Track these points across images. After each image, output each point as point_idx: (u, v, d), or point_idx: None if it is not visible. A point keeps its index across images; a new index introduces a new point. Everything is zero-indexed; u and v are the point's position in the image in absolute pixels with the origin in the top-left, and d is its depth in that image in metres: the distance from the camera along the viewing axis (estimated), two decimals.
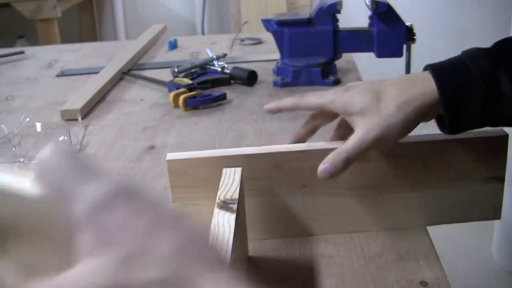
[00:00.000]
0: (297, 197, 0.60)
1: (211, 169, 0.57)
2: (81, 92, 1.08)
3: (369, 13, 1.06)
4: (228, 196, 0.51)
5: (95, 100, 1.07)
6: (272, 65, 1.15)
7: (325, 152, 0.58)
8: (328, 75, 1.09)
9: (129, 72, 1.24)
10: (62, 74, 1.29)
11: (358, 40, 1.07)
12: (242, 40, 1.45)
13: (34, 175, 0.31)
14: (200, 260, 0.30)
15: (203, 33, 3.06)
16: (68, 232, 0.30)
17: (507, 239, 1.73)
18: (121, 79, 1.21)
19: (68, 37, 2.59)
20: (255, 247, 0.60)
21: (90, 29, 3.05)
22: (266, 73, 1.15)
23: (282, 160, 0.58)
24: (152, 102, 1.06)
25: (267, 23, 1.10)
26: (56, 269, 0.29)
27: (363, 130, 0.55)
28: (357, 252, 0.58)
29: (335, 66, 1.11)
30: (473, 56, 0.56)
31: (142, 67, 1.30)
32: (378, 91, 0.56)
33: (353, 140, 0.55)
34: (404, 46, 1.05)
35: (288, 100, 0.62)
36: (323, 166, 0.55)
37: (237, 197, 0.51)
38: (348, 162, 0.55)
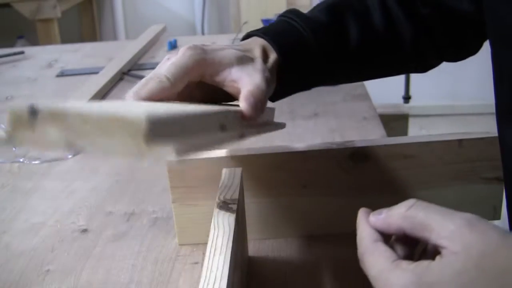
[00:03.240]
0: (297, 197, 0.60)
1: (211, 169, 0.57)
2: (81, 92, 1.08)
3: None
4: (228, 196, 0.51)
5: (95, 100, 1.07)
6: None
7: (326, 152, 0.59)
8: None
9: (129, 72, 1.24)
10: (62, 74, 1.29)
11: None
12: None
13: None
14: None
15: (203, 33, 3.06)
16: None
17: None
18: (121, 79, 1.21)
19: (68, 37, 2.59)
20: (255, 247, 0.60)
21: (90, 29, 3.04)
22: None
23: (282, 160, 0.58)
24: None
25: (267, 23, 1.10)
26: None
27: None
28: (357, 252, 0.58)
29: None
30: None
31: (142, 67, 1.30)
32: None
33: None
34: None
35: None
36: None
37: (237, 197, 0.51)
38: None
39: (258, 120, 0.51)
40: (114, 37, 3.10)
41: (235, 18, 2.91)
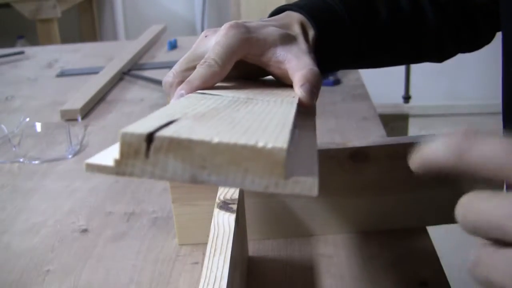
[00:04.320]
0: (297, 197, 0.60)
1: None
2: (81, 92, 1.08)
3: None
4: (228, 196, 0.51)
5: (95, 100, 1.07)
6: None
7: (326, 152, 0.59)
8: (327, 75, 1.09)
9: (129, 72, 1.24)
10: (62, 74, 1.29)
11: None
12: None
13: None
14: None
15: None
16: None
17: None
18: (121, 79, 1.21)
19: (68, 37, 2.60)
20: (255, 247, 0.60)
21: (90, 29, 3.04)
22: None
23: None
24: (152, 102, 1.06)
25: None
26: None
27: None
28: (357, 252, 0.58)
29: None
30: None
31: (142, 67, 1.30)
32: None
33: None
34: None
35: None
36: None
37: (237, 197, 0.51)
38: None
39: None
40: (114, 37, 3.10)
41: (235, 18, 2.90)
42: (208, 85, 0.47)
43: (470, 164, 0.30)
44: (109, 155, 0.31)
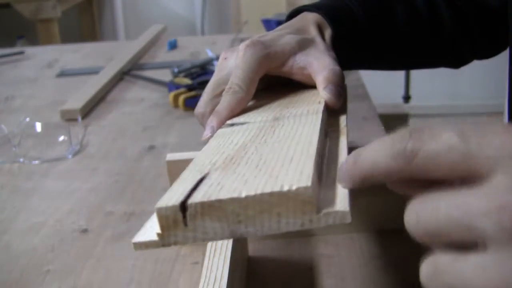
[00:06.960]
0: None
1: None
2: (81, 92, 1.08)
3: None
4: None
5: (95, 100, 1.07)
6: None
7: None
8: None
9: (129, 72, 1.24)
10: (62, 74, 1.29)
11: None
12: (242, 40, 1.45)
13: None
14: None
15: (203, 33, 3.06)
16: None
17: None
18: (121, 79, 1.21)
19: (68, 37, 2.60)
20: (255, 247, 0.60)
21: (90, 29, 3.05)
22: None
23: None
24: (152, 102, 1.06)
25: (267, 23, 1.10)
26: None
27: None
28: (357, 252, 0.58)
29: None
30: None
31: (142, 67, 1.30)
32: None
33: None
34: None
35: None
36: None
37: None
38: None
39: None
40: (114, 37, 3.10)
41: (235, 18, 2.91)
42: (236, 112, 0.47)
43: (420, 166, 0.28)
44: (151, 228, 0.33)
